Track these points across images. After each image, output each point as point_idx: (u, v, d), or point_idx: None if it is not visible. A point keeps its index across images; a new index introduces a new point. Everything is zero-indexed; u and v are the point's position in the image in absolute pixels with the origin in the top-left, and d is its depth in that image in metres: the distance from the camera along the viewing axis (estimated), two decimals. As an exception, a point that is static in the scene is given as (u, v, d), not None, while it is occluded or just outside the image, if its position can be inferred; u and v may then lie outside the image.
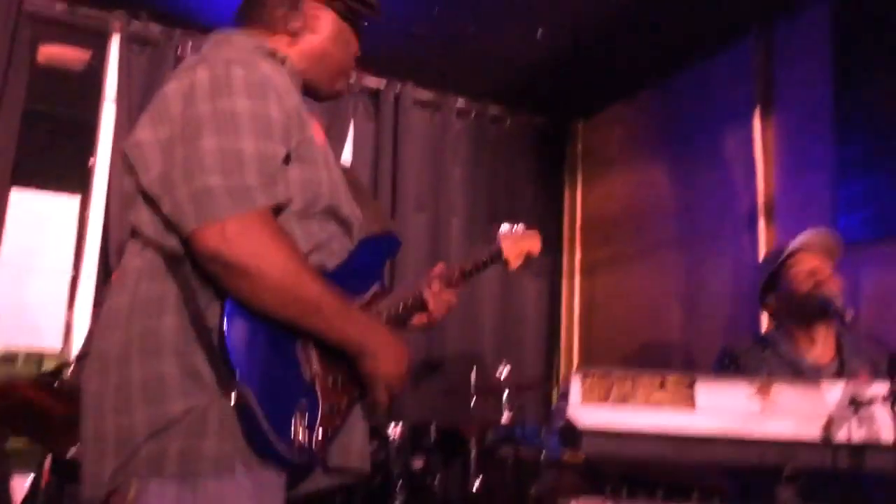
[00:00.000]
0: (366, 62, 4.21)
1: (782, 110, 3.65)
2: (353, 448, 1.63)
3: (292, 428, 1.42)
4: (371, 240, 1.74)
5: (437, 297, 1.89)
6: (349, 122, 4.35)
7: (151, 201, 1.47)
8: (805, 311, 2.29)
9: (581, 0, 3.61)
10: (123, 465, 1.40)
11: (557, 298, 4.74)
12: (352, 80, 4.24)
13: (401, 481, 2.93)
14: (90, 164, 3.88)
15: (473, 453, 3.45)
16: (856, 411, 1.51)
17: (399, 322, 1.81)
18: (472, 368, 3.87)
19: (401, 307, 1.80)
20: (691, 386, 1.53)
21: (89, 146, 3.86)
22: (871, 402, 1.49)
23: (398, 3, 3.68)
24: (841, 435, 1.50)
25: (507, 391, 3.34)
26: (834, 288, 2.25)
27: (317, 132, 1.63)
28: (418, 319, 1.93)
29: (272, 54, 1.61)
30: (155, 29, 3.88)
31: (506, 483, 3.58)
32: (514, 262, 2.12)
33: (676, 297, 4.07)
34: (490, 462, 3.60)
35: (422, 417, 3.60)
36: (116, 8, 3.79)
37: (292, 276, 1.43)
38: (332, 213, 1.61)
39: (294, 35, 1.69)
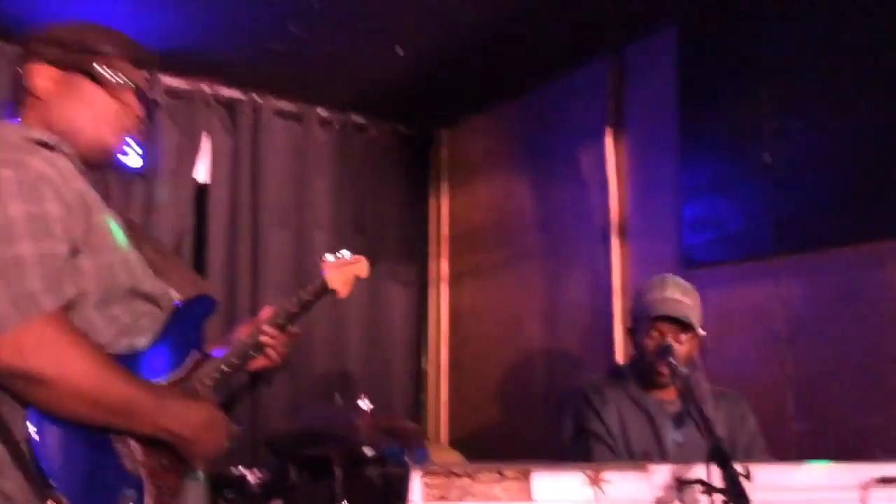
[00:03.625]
0: (221, 73, 4.12)
1: (632, 131, 3.78)
2: None
3: None
4: (184, 307, 1.75)
5: (272, 345, 1.95)
6: (204, 137, 4.19)
7: None
8: (649, 365, 2.40)
9: (438, 17, 3.59)
10: None
11: (424, 307, 4.77)
12: (207, 89, 4.11)
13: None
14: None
15: (339, 477, 3.44)
16: (680, 492, 1.60)
17: (230, 382, 1.86)
18: (339, 387, 3.85)
19: (226, 368, 1.83)
20: (527, 477, 1.57)
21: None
22: (694, 483, 1.57)
23: (251, 18, 3.56)
24: (667, 516, 1.58)
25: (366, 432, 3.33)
26: (682, 352, 2.35)
27: (105, 212, 1.59)
28: (256, 364, 1.97)
29: (42, 143, 1.53)
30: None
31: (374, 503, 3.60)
32: (343, 289, 2.15)
33: (537, 307, 4.18)
34: (357, 483, 3.61)
35: (284, 447, 3.57)
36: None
37: (96, 379, 1.41)
38: (136, 294, 1.60)
39: (28, 104, 1.63)
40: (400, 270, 4.71)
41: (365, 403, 3.32)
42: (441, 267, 4.80)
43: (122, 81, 1.68)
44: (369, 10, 3.49)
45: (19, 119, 1.64)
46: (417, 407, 4.68)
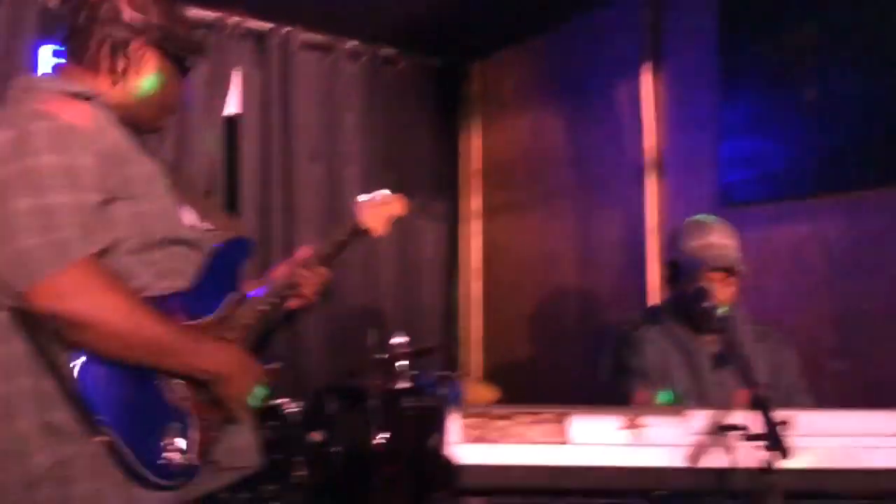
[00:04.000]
0: (249, 4, 4.05)
1: (670, 66, 3.67)
2: (239, 447, 1.75)
3: (165, 454, 1.53)
4: (221, 249, 1.79)
5: (308, 284, 1.98)
6: (234, 69, 4.14)
7: None
8: (693, 312, 2.36)
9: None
10: None
11: (456, 243, 4.76)
12: (235, 21, 4.06)
13: (300, 457, 2.98)
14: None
15: (374, 407, 3.50)
16: (718, 437, 1.60)
17: (267, 322, 1.88)
18: (372, 322, 3.88)
19: (264, 308, 1.86)
20: (564, 420, 1.58)
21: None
22: (732, 429, 1.57)
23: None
24: (704, 461, 1.59)
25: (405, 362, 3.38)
26: (729, 294, 2.32)
27: (142, 161, 1.64)
28: (294, 303, 2.02)
29: (77, 95, 1.59)
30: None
31: (408, 435, 3.67)
32: (380, 229, 2.15)
33: (570, 244, 4.16)
34: (392, 415, 3.68)
35: (323, 382, 3.64)
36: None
37: (128, 321, 1.48)
38: (175, 240, 1.65)
39: (119, 75, 1.67)
40: (432, 206, 4.68)
41: (400, 338, 3.36)
42: (473, 202, 4.77)
43: (189, 67, 1.78)
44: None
45: (59, 72, 1.71)
46: (450, 342, 4.71)
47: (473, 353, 4.72)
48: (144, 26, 1.67)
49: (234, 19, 4.09)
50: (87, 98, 1.59)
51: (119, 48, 1.66)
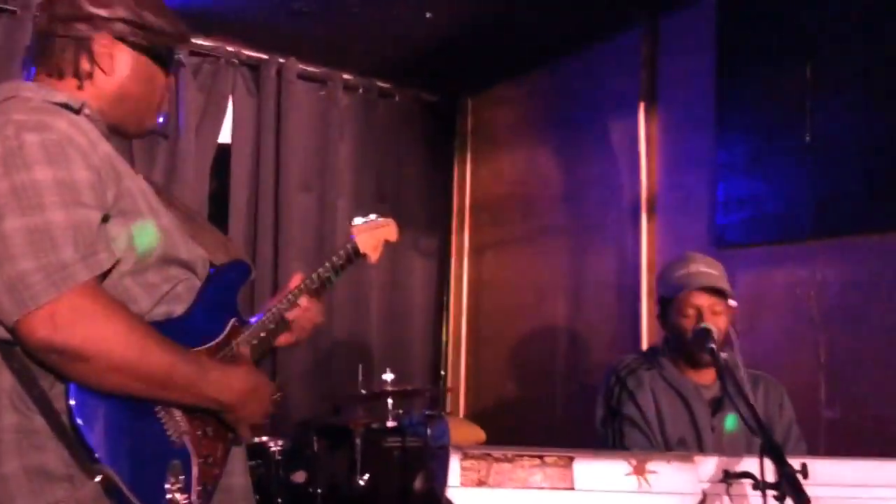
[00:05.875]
0: (245, 35, 4.03)
1: (666, 105, 3.68)
2: (235, 489, 1.64)
3: (167, 494, 1.42)
4: (219, 273, 1.69)
5: (304, 314, 1.86)
6: (228, 98, 4.11)
7: None
8: (688, 346, 2.32)
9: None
10: None
11: (446, 279, 4.71)
12: (231, 50, 4.03)
13: (280, 499, 2.89)
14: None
15: (359, 446, 3.42)
16: (728, 486, 1.54)
17: (263, 349, 1.77)
18: (359, 358, 3.80)
19: (263, 334, 1.76)
20: (569, 464, 1.52)
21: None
22: (743, 477, 1.52)
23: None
24: (713, 510, 1.53)
25: (390, 399, 3.31)
26: (720, 325, 2.28)
27: (134, 177, 1.53)
28: (285, 339, 1.88)
29: (65, 105, 1.46)
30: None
31: (392, 476, 3.59)
32: (373, 254, 2.08)
33: (561, 283, 4.11)
34: (376, 455, 3.59)
35: (306, 418, 3.55)
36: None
37: (135, 351, 1.36)
38: (170, 260, 1.54)
39: (84, 78, 1.54)
40: (422, 241, 4.65)
41: (386, 375, 3.30)
42: (463, 238, 4.73)
43: (177, 60, 1.65)
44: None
45: (38, 78, 1.55)
46: (437, 379, 4.64)
47: (460, 391, 4.64)
48: (107, 20, 1.53)
49: (230, 48, 4.07)
50: (75, 110, 1.47)
51: (82, 47, 1.52)
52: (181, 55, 3.84)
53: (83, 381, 1.35)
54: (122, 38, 1.55)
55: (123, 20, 1.54)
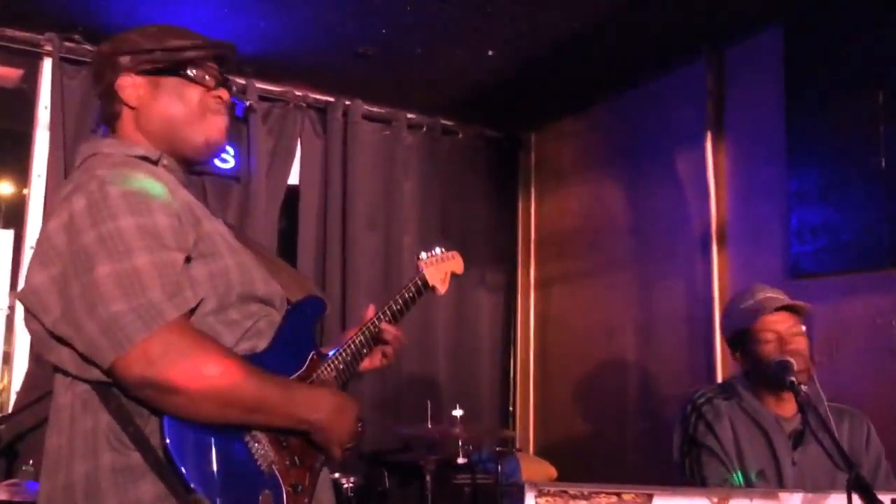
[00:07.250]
0: (312, 80, 4.15)
1: (734, 134, 3.63)
2: None
3: None
4: (296, 308, 1.75)
5: (394, 340, 1.94)
6: (296, 140, 4.23)
7: (65, 339, 1.42)
8: (769, 377, 2.26)
9: (528, 19, 3.51)
10: None
11: (512, 314, 4.70)
12: (299, 94, 4.14)
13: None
14: (24, 196, 3.71)
15: (430, 483, 3.41)
16: (813, 522, 1.49)
17: (343, 380, 1.81)
18: (428, 394, 3.81)
19: (342, 366, 1.80)
20: (648, 502, 1.49)
21: (22, 179, 3.68)
22: (827, 513, 1.47)
23: (343, 23, 3.56)
24: (798, 548, 1.48)
25: (460, 440, 3.29)
26: (801, 347, 2.23)
27: (212, 220, 1.61)
28: (369, 362, 1.95)
29: (144, 157, 1.56)
30: (89, 49, 3.69)
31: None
32: (441, 286, 2.14)
33: (630, 316, 4.06)
34: (447, 491, 3.58)
35: (378, 453, 3.56)
36: (48, 30, 3.59)
37: (226, 379, 1.41)
38: (250, 298, 1.60)
39: (121, 119, 1.64)
40: (487, 276, 4.65)
41: (457, 412, 3.29)
42: (530, 273, 4.72)
43: (210, 77, 1.67)
44: (459, 12, 3.44)
45: (114, 135, 1.66)
46: (506, 415, 4.61)
47: (529, 425, 4.60)
48: (116, 61, 1.61)
49: (298, 93, 4.19)
50: (153, 161, 1.57)
51: (110, 94, 1.62)
52: (251, 102, 3.98)
53: (179, 412, 1.40)
54: (133, 70, 1.62)
55: (127, 53, 1.62)
